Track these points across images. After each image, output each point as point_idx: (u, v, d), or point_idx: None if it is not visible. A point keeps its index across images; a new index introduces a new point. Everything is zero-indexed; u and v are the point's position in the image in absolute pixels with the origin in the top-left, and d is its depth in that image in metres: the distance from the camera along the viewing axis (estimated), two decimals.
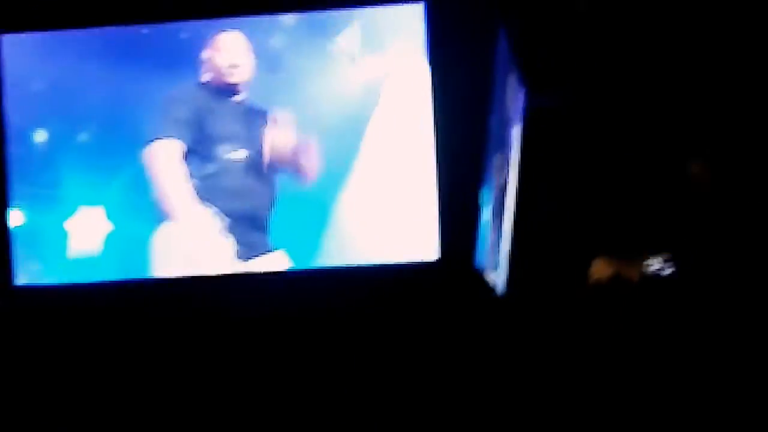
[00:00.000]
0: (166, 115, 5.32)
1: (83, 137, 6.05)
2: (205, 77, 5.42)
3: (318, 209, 6.03)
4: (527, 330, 5.83)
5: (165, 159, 5.12)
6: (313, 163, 5.35)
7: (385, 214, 6.32)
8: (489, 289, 5.98)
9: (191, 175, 5.30)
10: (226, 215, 5.34)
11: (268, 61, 5.59)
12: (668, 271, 5.71)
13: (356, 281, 6.35)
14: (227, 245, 5.48)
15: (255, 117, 5.42)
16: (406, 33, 6.07)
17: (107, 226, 5.88)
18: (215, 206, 5.28)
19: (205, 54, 5.50)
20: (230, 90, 5.40)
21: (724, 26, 5.84)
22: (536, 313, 5.79)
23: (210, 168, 5.32)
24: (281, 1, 5.97)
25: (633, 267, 5.70)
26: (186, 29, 5.73)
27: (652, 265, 5.65)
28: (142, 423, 6.24)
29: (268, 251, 5.66)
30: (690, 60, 5.88)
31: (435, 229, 6.25)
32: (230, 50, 5.36)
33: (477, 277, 6.09)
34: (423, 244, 6.24)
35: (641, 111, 5.89)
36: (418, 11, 6.22)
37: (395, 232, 6.28)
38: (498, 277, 5.89)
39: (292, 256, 5.96)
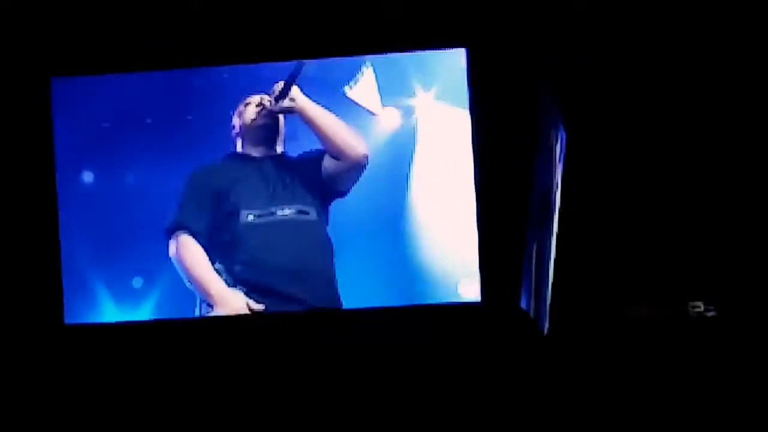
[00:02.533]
0: (191, 197, 5.22)
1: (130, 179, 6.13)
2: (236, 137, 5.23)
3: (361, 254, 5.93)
4: (570, 368, 5.98)
5: (192, 254, 4.99)
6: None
7: (428, 255, 6.31)
8: (533, 329, 6.09)
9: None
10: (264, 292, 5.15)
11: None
12: (711, 314, 5.85)
13: (400, 321, 6.43)
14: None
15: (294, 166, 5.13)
16: (445, 78, 5.99)
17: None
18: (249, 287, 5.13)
19: (234, 121, 5.38)
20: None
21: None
22: (578, 350, 5.96)
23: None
24: (314, 49, 5.90)
25: (673, 310, 5.93)
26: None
27: (695, 307, 5.78)
28: None
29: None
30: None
31: (476, 271, 6.30)
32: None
33: (521, 317, 6.19)
34: (466, 285, 6.30)
35: (680, 154, 6.06)
36: (459, 56, 6.19)
37: (439, 272, 6.31)
38: (541, 316, 6.01)
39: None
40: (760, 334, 5.74)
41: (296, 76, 4.95)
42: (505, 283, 6.27)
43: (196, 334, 6.40)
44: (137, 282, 5.97)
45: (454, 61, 5.89)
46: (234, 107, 5.49)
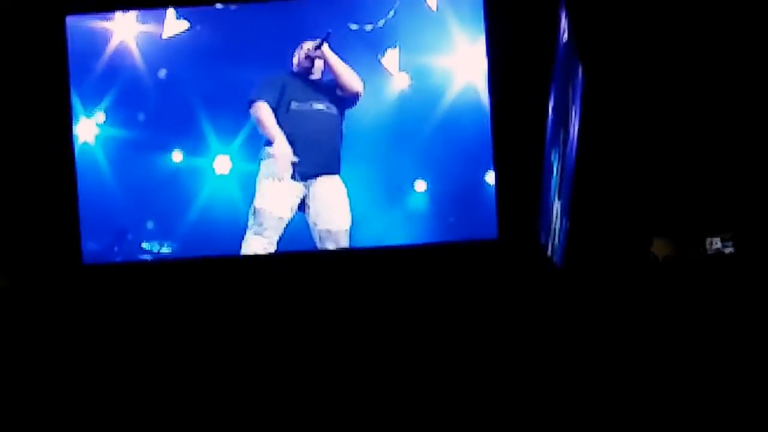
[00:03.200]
0: (264, 85, 7.11)
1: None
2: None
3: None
4: (585, 305, 5.74)
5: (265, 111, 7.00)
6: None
7: (443, 192, 6.93)
8: (549, 264, 5.98)
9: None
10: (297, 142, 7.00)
11: None
12: (729, 251, 5.65)
13: (418, 259, 6.58)
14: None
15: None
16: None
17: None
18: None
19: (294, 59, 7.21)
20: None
21: None
22: (593, 286, 5.75)
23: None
24: None
25: (694, 247, 5.68)
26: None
27: (713, 244, 5.58)
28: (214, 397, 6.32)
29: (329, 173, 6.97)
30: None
31: (493, 209, 6.53)
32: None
33: (537, 254, 6.10)
34: (483, 223, 6.63)
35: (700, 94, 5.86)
36: None
37: (456, 211, 6.87)
38: (558, 251, 5.91)
39: (358, 186, 6.99)
40: None
41: (325, 40, 6.93)
42: (523, 220, 6.22)
43: (212, 272, 6.73)
44: (150, 224, 7.20)
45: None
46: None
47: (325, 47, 6.98)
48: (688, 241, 5.65)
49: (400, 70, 7.10)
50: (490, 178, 6.88)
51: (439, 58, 7.06)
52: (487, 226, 6.78)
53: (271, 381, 6.28)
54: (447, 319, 6.30)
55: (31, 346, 6.23)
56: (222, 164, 7.23)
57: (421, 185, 7.10)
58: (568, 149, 5.73)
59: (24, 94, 6.97)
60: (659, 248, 5.70)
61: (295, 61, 7.13)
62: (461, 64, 7.01)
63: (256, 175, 7.07)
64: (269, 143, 6.97)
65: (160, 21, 7.22)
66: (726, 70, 5.72)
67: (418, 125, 7.07)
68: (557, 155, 5.98)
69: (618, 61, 5.90)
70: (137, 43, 7.26)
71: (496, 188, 6.61)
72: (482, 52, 6.91)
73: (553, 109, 5.99)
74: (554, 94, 5.96)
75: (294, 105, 7.03)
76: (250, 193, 7.08)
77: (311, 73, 7.11)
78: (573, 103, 5.77)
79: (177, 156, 7.24)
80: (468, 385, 5.83)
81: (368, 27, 7.05)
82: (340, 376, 6.16)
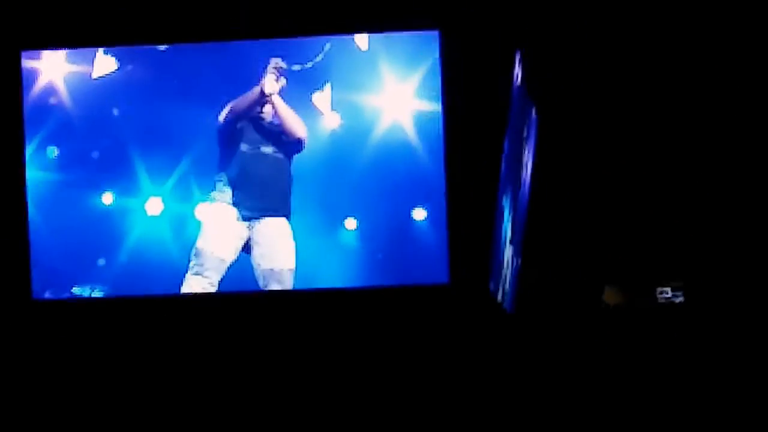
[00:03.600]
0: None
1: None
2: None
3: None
4: (536, 348, 5.99)
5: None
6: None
7: (397, 237, 7.02)
8: (499, 310, 6.11)
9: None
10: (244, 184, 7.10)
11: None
12: (679, 300, 5.95)
13: (369, 302, 6.63)
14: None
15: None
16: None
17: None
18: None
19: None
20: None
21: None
22: (545, 331, 5.98)
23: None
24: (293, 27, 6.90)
25: (643, 295, 5.92)
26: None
27: (663, 293, 5.88)
28: None
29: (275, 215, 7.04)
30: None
31: (445, 253, 6.63)
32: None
33: (487, 299, 6.24)
34: (434, 268, 6.72)
35: (653, 136, 6.12)
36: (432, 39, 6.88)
37: (407, 255, 6.97)
38: (508, 297, 6.02)
39: (293, 226, 7.06)
40: (727, 320, 5.76)
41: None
42: (473, 265, 6.36)
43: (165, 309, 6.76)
44: (101, 261, 7.10)
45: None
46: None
47: (277, 98, 7.11)
48: (638, 289, 5.86)
49: (332, 109, 7.21)
50: (418, 214, 7.07)
51: (369, 97, 7.18)
52: (417, 265, 6.99)
53: (213, 422, 6.36)
54: (396, 361, 6.46)
55: None
56: (154, 206, 7.19)
57: (351, 223, 7.19)
58: (521, 194, 5.88)
59: None
60: (610, 296, 5.90)
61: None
62: (390, 102, 7.16)
63: (190, 216, 7.10)
64: (215, 188, 7.06)
65: (90, 61, 7.13)
66: (679, 116, 6.03)
67: (348, 163, 7.20)
68: (509, 200, 6.13)
69: (571, 102, 6.11)
70: (66, 83, 7.15)
71: (447, 231, 6.74)
72: (410, 92, 7.07)
73: (506, 154, 6.16)
74: (508, 139, 6.13)
75: (243, 147, 7.11)
76: (182, 235, 7.08)
77: (262, 117, 7.20)
78: (526, 146, 5.92)
79: (108, 198, 7.16)
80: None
81: (296, 67, 7.13)
82: (283, 417, 6.28)
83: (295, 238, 7.08)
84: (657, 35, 6.17)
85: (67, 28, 6.89)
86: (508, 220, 6.17)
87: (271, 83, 7.02)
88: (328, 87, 7.16)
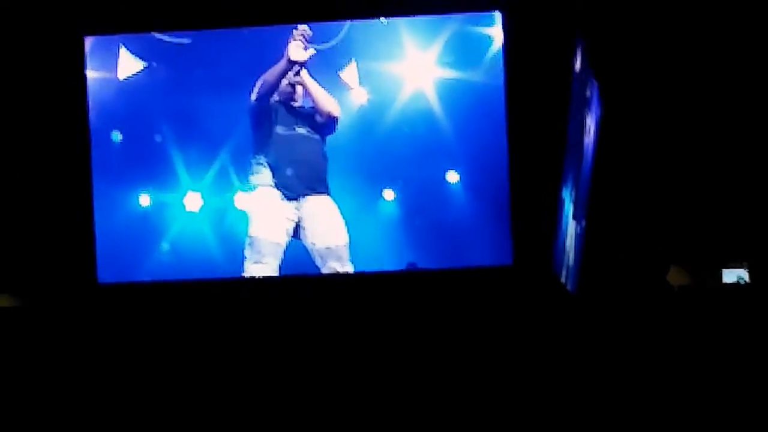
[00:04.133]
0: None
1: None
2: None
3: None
4: (599, 332, 6.04)
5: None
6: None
7: (460, 218, 7.03)
8: (563, 291, 6.23)
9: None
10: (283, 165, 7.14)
11: None
12: (744, 281, 6.15)
13: (431, 284, 6.67)
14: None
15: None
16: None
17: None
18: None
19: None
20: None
21: None
22: (608, 314, 6.02)
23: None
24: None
25: (708, 276, 6.12)
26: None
27: (728, 274, 6.12)
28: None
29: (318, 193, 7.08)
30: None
31: (508, 234, 6.63)
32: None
33: (551, 280, 6.28)
34: (498, 249, 6.74)
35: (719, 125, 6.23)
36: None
37: (470, 236, 6.97)
38: (572, 278, 6.15)
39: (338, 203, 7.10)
40: None
41: (303, 65, 7.00)
42: (537, 246, 6.33)
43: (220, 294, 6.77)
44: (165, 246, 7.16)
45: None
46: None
47: (304, 73, 7.10)
48: (703, 270, 6.05)
49: (360, 84, 7.19)
50: (451, 177, 7.19)
51: (392, 66, 7.17)
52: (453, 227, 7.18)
53: (277, 407, 6.51)
54: (458, 344, 6.49)
55: (39, 363, 6.39)
56: (193, 201, 7.17)
57: (389, 194, 7.27)
58: (583, 173, 5.99)
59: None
60: (675, 277, 6.08)
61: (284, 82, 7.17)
62: (412, 71, 7.16)
63: (228, 211, 7.14)
64: (253, 173, 7.10)
65: (113, 64, 7.07)
66: (745, 98, 6.08)
67: (378, 135, 7.23)
68: (570, 184, 6.22)
69: (636, 83, 6.15)
70: (91, 90, 7.06)
71: (509, 213, 6.73)
72: (432, 60, 7.09)
73: (568, 139, 6.16)
74: (569, 126, 6.16)
75: (279, 129, 7.14)
76: (221, 230, 7.14)
77: (294, 99, 7.19)
78: (587, 132, 6.02)
79: (145, 198, 7.16)
80: (480, 413, 6.16)
81: (324, 46, 7.09)
82: (349, 402, 6.36)
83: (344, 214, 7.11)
84: (716, 21, 6.21)
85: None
86: (570, 203, 6.28)
87: (296, 50, 6.93)
88: (353, 63, 7.14)
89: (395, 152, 7.23)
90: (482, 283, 6.65)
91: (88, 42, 7.07)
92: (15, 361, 6.46)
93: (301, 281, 6.96)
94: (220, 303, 6.84)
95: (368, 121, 7.25)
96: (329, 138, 7.22)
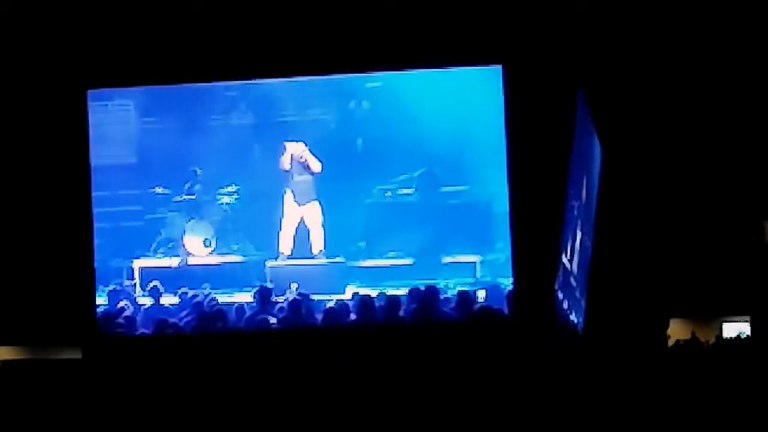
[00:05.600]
0: None
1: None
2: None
3: None
4: (602, 385, 5.79)
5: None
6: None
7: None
8: (567, 343, 6.15)
9: None
10: None
11: None
12: (745, 334, 6.09)
13: (431, 334, 6.64)
14: None
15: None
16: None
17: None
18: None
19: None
20: None
21: None
22: (612, 367, 5.81)
23: None
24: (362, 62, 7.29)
25: (709, 329, 5.99)
26: None
27: (728, 327, 6.04)
28: None
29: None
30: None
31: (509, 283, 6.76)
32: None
33: (553, 331, 6.25)
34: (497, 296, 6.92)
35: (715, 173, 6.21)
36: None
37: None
38: (574, 332, 6.09)
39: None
40: None
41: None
42: (538, 297, 6.39)
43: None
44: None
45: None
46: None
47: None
48: (703, 323, 5.97)
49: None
50: None
51: None
52: None
53: None
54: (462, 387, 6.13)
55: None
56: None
57: None
58: (586, 225, 5.98)
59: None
60: (675, 330, 5.98)
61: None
62: None
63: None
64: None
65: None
66: (746, 145, 6.13)
67: None
68: (573, 229, 6.22)
69: (635, 134, 6.20)
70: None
71: (513, 265, 6.89)
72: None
73: (570, 185, 6.23)
74: (571, 175, 6.22)
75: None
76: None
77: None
78: (590, 180, 6.00)
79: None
80: None
81: None
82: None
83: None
84: (716, 67, 6.23)
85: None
86: (574, 242, 6.23)
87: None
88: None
89: None
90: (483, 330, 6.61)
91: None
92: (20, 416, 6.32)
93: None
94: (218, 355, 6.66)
95: None
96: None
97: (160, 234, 9.29)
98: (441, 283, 8.03)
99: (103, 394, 6.35)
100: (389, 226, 9.04)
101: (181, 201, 9.31)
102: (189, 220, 9.27)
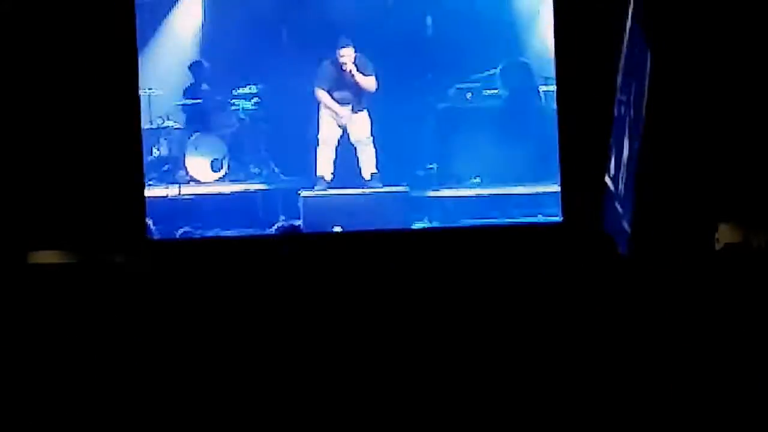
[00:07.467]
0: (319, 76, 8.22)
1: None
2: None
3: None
4: (650, 291, 5.64)
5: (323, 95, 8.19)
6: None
7: (506, 175, 7.03)
8: (614, 250, 5.90)
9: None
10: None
11: None
12: None
13: (480, 241, 6.65)
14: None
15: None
16: None
17: None
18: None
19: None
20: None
21: None
22: (659, 274, 5.69)
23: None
24: None
25: (760, 233, 5.78)
26: None
27: None
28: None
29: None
30: None
31: (558, 191, 6.76)
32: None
33: (601, 238, 6.09)
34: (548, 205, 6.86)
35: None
36: None
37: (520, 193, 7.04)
38: (623, 237, 5.98)
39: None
40: None
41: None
42: (587, 202, 6.35)
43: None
44: None
45: None
46: None
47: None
48: (754, 227, 5.76)
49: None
50: None
51: None
52: None
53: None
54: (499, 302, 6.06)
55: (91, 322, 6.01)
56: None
57: None
58: (634, 128, 5.89)
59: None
60: (724, 234, 5.77)
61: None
62: None
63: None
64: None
65: None
66: None
67: None
68: (621, 135, 6.12)
69: (686, 40, 6.06)
70: None
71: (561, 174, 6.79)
72: None
73: (620, 89, 6.14)
74: (620, 81, 6.12)
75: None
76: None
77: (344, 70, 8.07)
78: (639, 87, 5.90)
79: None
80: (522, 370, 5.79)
81: None
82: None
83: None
84: None
85: None
86: (623, 159, 6.11)
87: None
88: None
89: None
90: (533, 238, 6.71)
91: None
92: (65, 319, 6.09)
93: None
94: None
95: None
96: None
97: (152, 153, 7.82)
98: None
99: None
100: (471, 142, 7.28)
101: (181, 106, 8.03)
102: (192, 134, 7.91)
